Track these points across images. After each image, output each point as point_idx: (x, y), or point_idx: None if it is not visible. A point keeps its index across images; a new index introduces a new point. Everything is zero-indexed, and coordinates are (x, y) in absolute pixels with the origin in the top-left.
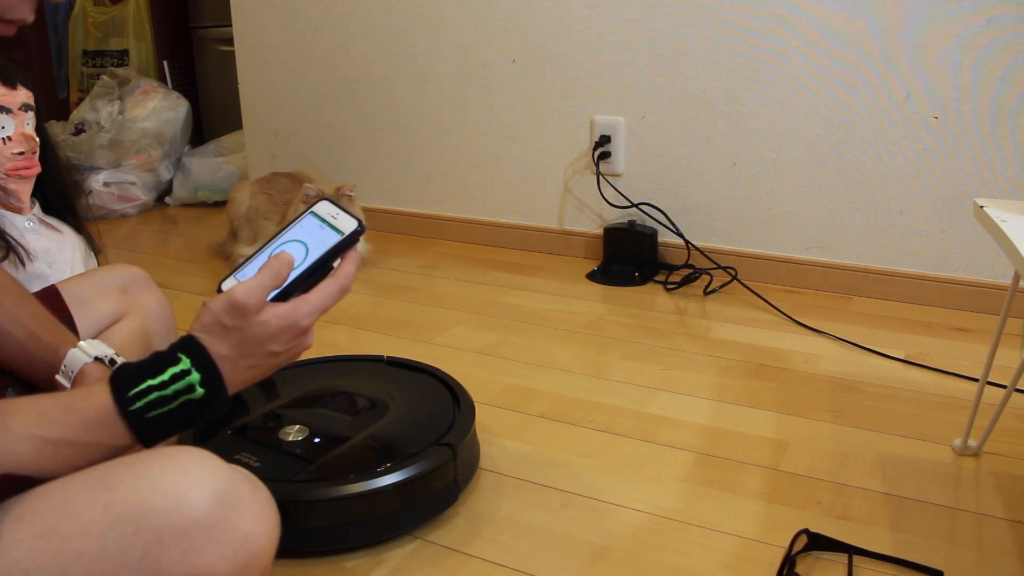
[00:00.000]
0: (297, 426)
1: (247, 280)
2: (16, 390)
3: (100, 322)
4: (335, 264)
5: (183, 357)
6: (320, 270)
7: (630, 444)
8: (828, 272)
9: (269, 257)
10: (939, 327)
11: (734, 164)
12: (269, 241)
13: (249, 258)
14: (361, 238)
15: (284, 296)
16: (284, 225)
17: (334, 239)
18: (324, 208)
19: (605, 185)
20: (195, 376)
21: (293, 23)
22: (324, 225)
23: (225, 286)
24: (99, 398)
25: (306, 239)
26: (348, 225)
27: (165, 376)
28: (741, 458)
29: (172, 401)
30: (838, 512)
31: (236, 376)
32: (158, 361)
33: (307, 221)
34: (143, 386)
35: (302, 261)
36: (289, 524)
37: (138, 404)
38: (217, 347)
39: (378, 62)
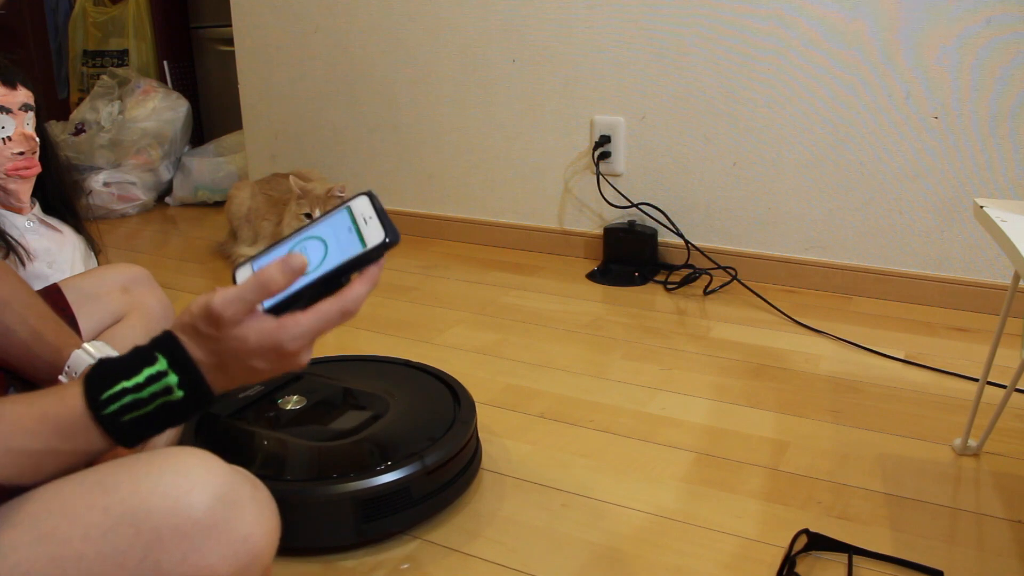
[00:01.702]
0: (296, 396)
1: (230, 288)
2: (18, 389)
3: (102, 321)
4: (351, 277)
5: (160, 357)
6: (330, 283)
7: (630, 444)
8: (828, 272)
9: (287, 253)
10: (939, 327)
11: (734, 164)
12: (295, 232)
13: (272, 247)
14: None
15: (283, 306)
16: (318, 217)
17: (355, 250)
18: (360, 206)
19: (605, 185)
20: (173, 378)
21: (293, 23)
22: (352, 228)
23: (239, 275)
24: (71, 403)
25: (329, 240)
26: (375, 236)
27: (140, 378)
28: (741, 458)
29: (148, 404)
30: (838, 512)
31: (214, 382)
32: (136, 359)
33: (338, 218)
34: (117, 388)
35: (316, 266)
36: None
37: (111, 408)
38: (193, 350)
39: (378, 62)
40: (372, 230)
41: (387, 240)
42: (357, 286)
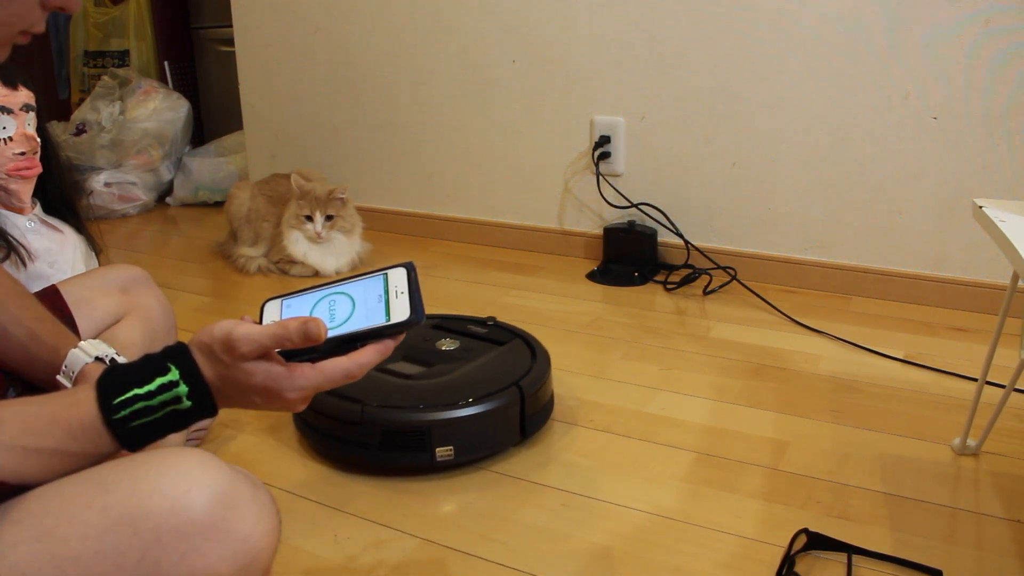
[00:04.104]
0: (449, 339)
1: (254, 325)
2: (17, 390)
3: (101, 322)
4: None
5: (172, 367)
6: (346, 344)
7: (630, 444)
8: (827, 272)
9: (309, 316)
10: (938, 327)
11: (733, 164)
12: (332, 283)
13: (307, 291)
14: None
15: (297, 352)
16: (356, 274)
17: (379, 320)
18: (396, 277)
19: (605, 185)
20: (183, 388)
21: (294, 24)
22: (383, 297)
23: (267, 310)
24: (84, 407)
25: (358, 302)
26: (401, 312)
27: (152, 386)
28: (741, 458)
29: (158, 411)
30: (837, 512)
31: (219, 399)
32: (148, 368)
33: (372, 283)
34: (129, 395)
35: (339, 323)
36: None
37: (123, 413)
38: (204, 367)
39: (378, 62)
40: (400, 305)
41: (410, 319)
42: (367, 354)
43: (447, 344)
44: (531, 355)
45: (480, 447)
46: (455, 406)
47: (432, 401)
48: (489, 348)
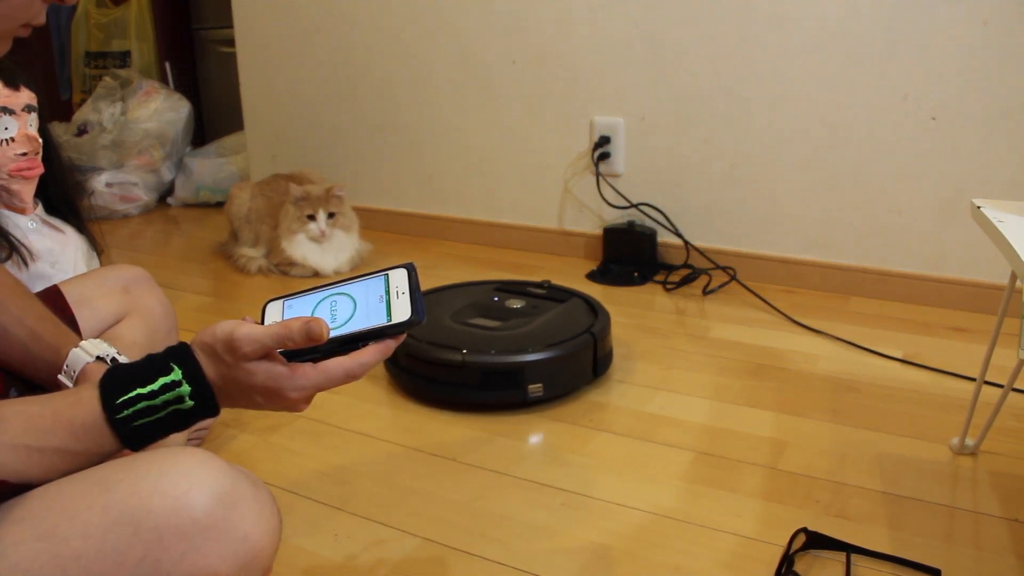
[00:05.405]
0: (514, 298)
1: (256, 325)
2: (19, 390)
3: (102, 322)
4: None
5: (175, 367)
6: (348, 344)
7: (629, 443)
8: (826, 272)
9: (311, 316)
10: (937, 327)
11: (733, 165)
12: (334, 283)
13: (309, 291)
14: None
15: (299, 353)
16: (357, 275)
17: (380, 320)
18: (397, 278)
19: (605, 185)
20: (185, 388)
21: (294, 25)
22: (384, 298)
23: (269, 310)
24: (87, 406)
25: (360, 302)
26: (402, 312)
27: (155, 386)
28: (740, 457)
29: (160, 411)
30: (836, 511)
31: (221, 399)
32: (151, 368)
33: (374, 283)
34: (132, 394)
35: (341, 324)
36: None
37: (125, 412)
38: (207, 367)
39: (378, 63)
40: (401, 305)
41: (412, 319)
42: (368, 354)
43: (515, 303)
44: (591, 310)
45: (563, 384)
46: (543, 349)
47: (521, 346)
48: (552, 305)
